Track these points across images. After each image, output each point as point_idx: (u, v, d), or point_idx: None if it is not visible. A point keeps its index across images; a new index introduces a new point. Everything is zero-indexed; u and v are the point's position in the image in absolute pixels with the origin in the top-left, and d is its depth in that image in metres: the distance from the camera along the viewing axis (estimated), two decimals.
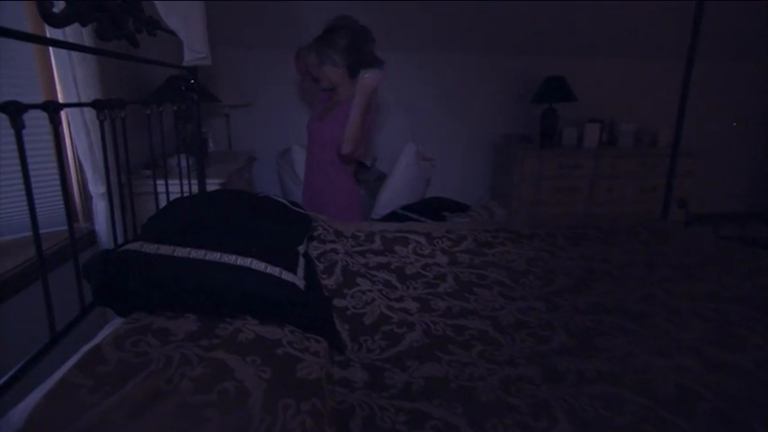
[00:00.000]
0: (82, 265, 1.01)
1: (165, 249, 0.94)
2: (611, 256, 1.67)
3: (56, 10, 0.97)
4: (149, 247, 0.95)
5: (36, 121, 1.28)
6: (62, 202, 1.70)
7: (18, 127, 0.83)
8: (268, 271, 0.97)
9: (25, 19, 1.53)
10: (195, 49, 1.61)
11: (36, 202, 0.91)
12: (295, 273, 1.03)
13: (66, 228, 1.72)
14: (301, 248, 1.20)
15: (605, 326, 1.20)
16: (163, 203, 1.75)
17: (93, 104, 1.19)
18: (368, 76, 1.85)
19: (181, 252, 0.93)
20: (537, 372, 1.01)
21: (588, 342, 1.13)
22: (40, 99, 1.59)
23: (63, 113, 1.50)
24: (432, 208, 2.57)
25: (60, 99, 1.56)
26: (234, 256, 0.95)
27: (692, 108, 2.46)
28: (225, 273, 0.92)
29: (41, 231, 0.97)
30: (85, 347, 0.85)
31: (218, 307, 0.91)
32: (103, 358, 0.75)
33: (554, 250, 1.72)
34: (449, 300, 1.35)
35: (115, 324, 0.93)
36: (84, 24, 1.08)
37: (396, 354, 1.08)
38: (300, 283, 1.02)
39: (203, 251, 0.94)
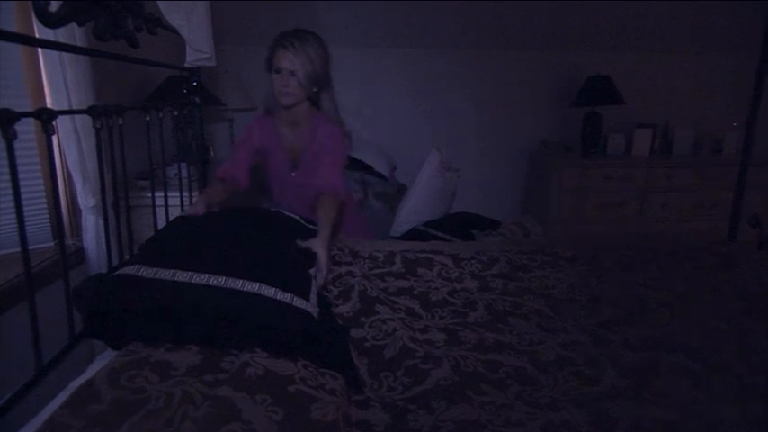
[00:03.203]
0: (72, 289, 1.03)
1: (165, 273, 0.96)
2: (669, 283, 1.64)
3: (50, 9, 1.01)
4: (147, 271, 0.97)
5: (21, 127, 1.33)
6: (47, 216, 1.77)
7: (9, 137, 0.86)
8: (278, 297, 0.98)
9: (12, 17, 1.60)
10: (198, 49, 1.66)
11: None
12: (308, 299, 1.04)
13: (50, 245, 1.78)
14: (314, 270, 1.21)
15: (663, 365, 1.18)
16: (161, 217, 1.79)
17: (89, 111, 1.23)
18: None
19: (182, 276, 0.95)
20: (584, 417, 1.00)
21: (643, 384, 1.11)
22: (27, 102, 1.66)
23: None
24: (458, 225, 2.57)
25: (49, 103, 1.61)
26: (240, 281, 0.97)
27: (766, 108, 2.41)
28: (231, 300, 0.94)
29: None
30: (76, 382, 0.87)
31: (222, 338, 0.92)
32: (96, 396, 0.77)
33: (600, 275, 1.70)
34: (480, 331, 1.34)
35: (109, 356, 0.94)
36: (81, 24, 1.13)
37: (421, 393, 1.07)
38: (314, 311, 1.03)
39: (207, 275, 0.96)
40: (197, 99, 1.97)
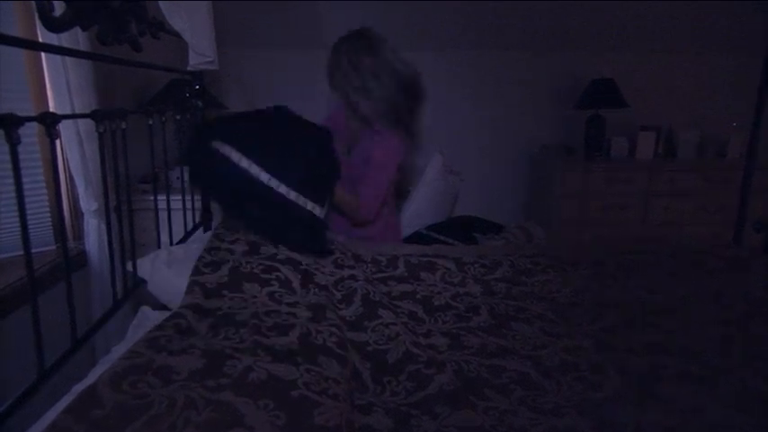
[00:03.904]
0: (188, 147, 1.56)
1: (244, 163, 1.39)
2: (673, 287, 1.63)
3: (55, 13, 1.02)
4: (235, 156, 1.39)
5: (24, 130, 1.34)
6: (49, 219, 1.78)
7: (14, 142, 0.87)
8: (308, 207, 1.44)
9: (15, 21, 1.61)
10: (201, 53, 1.67)
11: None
12: (323, 205, 1.50)
13: (52, 248, 1.79)
14: None
15: (668, 371, 1.18)
16: (163, 220, 1.80)
17: (93, 115, 1.23)
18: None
19: (263, 177, 1.39)
20: (587, 423, 1.00)
21: (648, 390, 1.11)
22: (30, 105, 1.67)
23: None
24: (461, 228, 2.57)
25: (52, 106, 1.62)
26: (294, 193, 1.42)
27: None
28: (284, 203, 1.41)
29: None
30: (78, 386, 0.87)
31: (264, 228, 1.46)
32: (99, 401, 0.77)
33: (604, 280, 1.70)
34: (483, 336, 1.34)
35: (110, 360, 0.95)
36: (84, 29, 1.13)
37: (424, 398, 1.07)
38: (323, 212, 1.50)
39: (277, 182, 1.40)
40: (199, 103, 1.98)
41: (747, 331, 1.37)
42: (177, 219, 1.91)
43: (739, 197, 2.30)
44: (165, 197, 1.84)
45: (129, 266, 1.52)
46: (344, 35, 1.84)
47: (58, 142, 1.58)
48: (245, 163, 1.39)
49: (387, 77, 1.79)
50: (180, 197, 1.95)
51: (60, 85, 1.54)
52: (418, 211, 2.57)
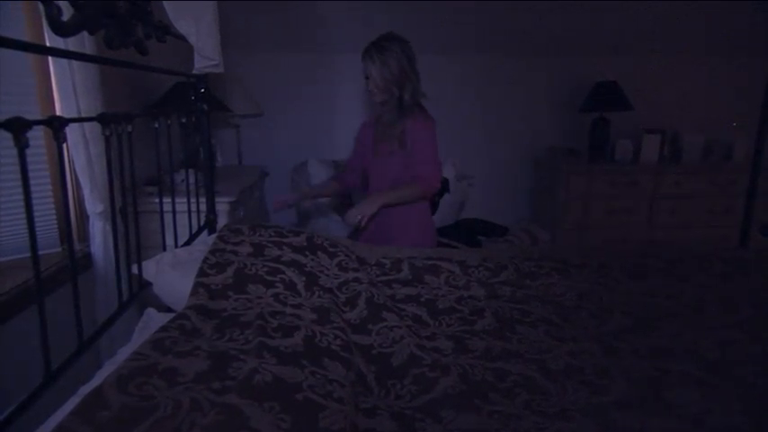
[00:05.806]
0: None
1: None
2: (679, 291, 1.63)
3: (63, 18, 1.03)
4: None
5: (30, 132, 1.34)
6: (55, 221, 1.79)
7: (22, 146, 0.87)
8: None
9: (22, 23, 1.62)
10: (206, 56, 1.67)
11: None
12: None
13: (58, 250, 1.80)
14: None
15: (673, 375, 1.17)
16: (168, 222, 1.80)
17: (99, 118, 1.24)
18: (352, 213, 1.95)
19: None
20: (593, 428, 0.99)
21: (653, 394, 1.11)
22: (36, 108, 1.68)
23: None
24: (465, 231, 2.58)
25: (58, 109, 1.63)
26: None
27: None
28: None
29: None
30: (84, 388, 0.87)
31: None
32: (105, 402, 0.78)
33: (609, 283, 1.70)
34: (487, 339, 1.34)
35: (117, 362, 0.95)
36: (92, 33, 1.14)
37: (428, 401, 1.07)
38: None
39: None
40: (204, 106, 1.99)
41: (754, 335, 1.36)
42: (182, 221, 1.92)
43: (745, 200, 2.29)
44: (170, 200, 1.85)
45: (135, 268, 1.53)
46: (374, 41, 1.98)
47: (64, 145, 1.61)
48: None
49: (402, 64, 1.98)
50: (185, 200, 1.96)
51: (67, 87, 1.55)
52: None
